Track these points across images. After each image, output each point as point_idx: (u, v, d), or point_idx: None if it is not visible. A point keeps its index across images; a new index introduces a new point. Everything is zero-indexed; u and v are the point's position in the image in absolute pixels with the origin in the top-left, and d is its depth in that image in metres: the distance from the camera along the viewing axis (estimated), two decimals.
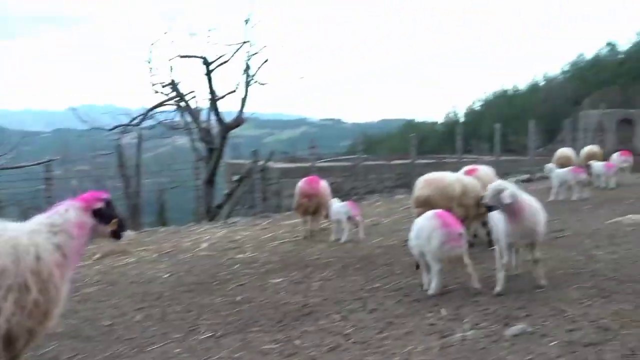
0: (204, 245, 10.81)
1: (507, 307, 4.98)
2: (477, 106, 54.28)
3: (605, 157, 15.44)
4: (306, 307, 5.76)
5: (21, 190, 15.74)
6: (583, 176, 12.48)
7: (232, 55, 20.42)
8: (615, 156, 15.13)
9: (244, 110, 20.53)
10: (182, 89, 20.67)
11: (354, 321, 5.10)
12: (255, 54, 20.58)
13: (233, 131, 21.51)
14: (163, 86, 20.56)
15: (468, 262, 5.55)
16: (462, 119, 51.62)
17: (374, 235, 10.17)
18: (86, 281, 7.62)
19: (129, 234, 4.02)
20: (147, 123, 20.77)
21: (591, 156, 15.68)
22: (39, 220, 3.52)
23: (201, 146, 21.18)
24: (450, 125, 45.54)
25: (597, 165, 14.69)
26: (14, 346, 3.08)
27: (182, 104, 20.81)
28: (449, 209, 6.55)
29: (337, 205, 10.05)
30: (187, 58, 20.35)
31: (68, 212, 3.61)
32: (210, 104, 20.80)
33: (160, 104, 20.84)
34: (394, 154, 31.08)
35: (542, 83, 54.35)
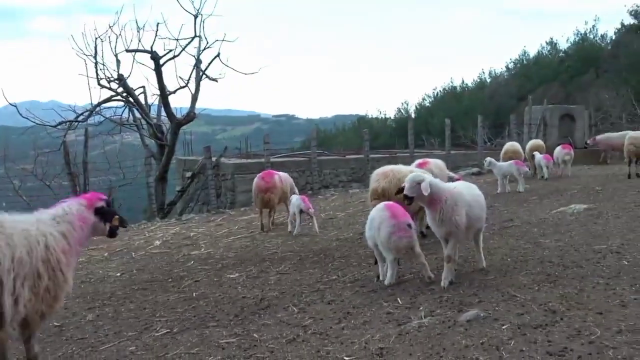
0: (157, 242, 10.59)
1: (461, 294, 5.12)
2: (427, 102, 55.39)
3: (548, 151, 16.08)
4: (264, 300, 5.74)
5: None
6: (524, 169, 12.96)
7: (182, 50, 19.99)
8: (558, 149, 15.77)
9: (196, 106, 20.17)
10: (131, 84, 20.09)
11: (312, 313, 5.12)
12: (206, 48, 20.25)
13: (184, 127, 21.11)
14: (109, 81, 19.92)
15: (419, 253, 5.66)
16: (413, 115, 52.59)
17: (330, 228, 10.25)
18: None
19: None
20: (94, 119, 20.08)
21: (535, 149, 16.28)
22: (44, 212, 3.83)
23: (152, 142, 20.68)
24: (402, 121, 46.31)
25: (537, 157, 15.35)
26: (29, 328, 3.47)
27: (131, 99, 20.22)
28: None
29: (292, 199, 10.25)
30: (134, 52, 19.75)
31: (71, 206, 3.94)
32: (161, 99, 20.32)
33: (107, 100, 20.17)
34: (347, 149, 31.38)
35: (488, 80, 56.08)
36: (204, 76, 20.44)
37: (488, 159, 13.37)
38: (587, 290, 4.84)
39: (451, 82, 64.43)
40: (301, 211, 10.01)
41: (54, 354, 4.74)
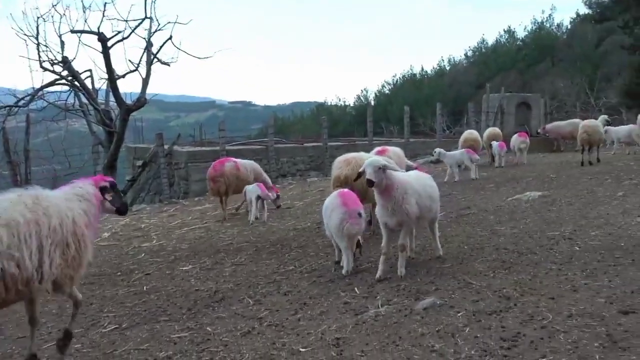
0: (106, 234, 10.33)
1: (418, 282, 5.21)
2: (386, 89, 55.92)
3: (505, 139, 16.54)
4: (218, 293, 5.69)
5: None
6: (476, 156, 13.31)
7: (132, 32, 19.39)
8: (514, 137, 16.23)
9: (147, 91, 19.64)
10: (77, 67, 19.36)
11: (268, 304, 5.11)
12: (158, 30, 19.71)
13: (135, 113, 20.55)
14: (53, 64, 19.13)
15: (361, 242, 5.93)
16: (372, 102, 53.01)
17: (287, 218, 10.24)
18: None
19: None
20: (37, 104, 19.27)
21: (493, 138, 16.71)
22: (66, 190, 4.38)
23: (99, 129, 20.05)
24: (361, 108, 46.65)
25: (494, 145, 15.80)
26: (62, 289, 4.05)
27: (77, 83, 19.50)
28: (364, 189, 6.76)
29: (249, 187, 10.28)
30: (80, 33, 19.03)
31: (85, 186, 4.50)
32: (109, 83, 19.67)
33: (51, 84, 19.35)
34: (306, 137, 31.34)
35: (447, 67, 57.07)
36: (155, 60, 19.93)
37: (437, 149, 13.64)
38: (540, 276, 5.01)
39: (411, 69, 65.31)
40: (259, 197, 10.07)
41: None
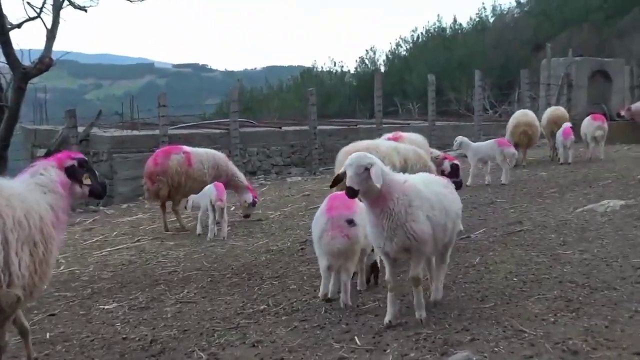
0: None
1: (446, 329, 5.24)
2: (403, 50, 56.10)
3: (573, 123, 16.62)
4: (155, 343, 5.68)
5: None
6: (511, 151, 13.39)
7: None
8: (587, 122, 16.30)
9: (54, 47, 19.54)
10: None
11: None
12: None
13: (35, 80, 20.45)
14: None
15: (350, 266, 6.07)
16: (382, 68, 53.09)
17: (257, 235, 10.26)
18: None
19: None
20: None
21: (556, 121, 16.83)
22: (26, 180, 4.83)
23: None
24: (366, 77, 46.71)
25: (557, 133, 15.90)
26: (16, 305, 4.48)
27: None
28: None
29: (205, 189, 10.34)
30: None
31: (48, 171, 4.95)
32: None
33: None
34: (285, 118, 31.39)
35: (491, 19, 57.31)
36: (66, 3, 19.84)
37: (459, 138, 13.73)
38: (622, 322, 5.06)
39: (438, 21, 65.66)
40: (213, 205, 10.11)
41: None
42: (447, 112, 33.40)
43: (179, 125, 22.70)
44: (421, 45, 54.53)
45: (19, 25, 19.96)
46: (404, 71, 47.92)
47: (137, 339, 5.86)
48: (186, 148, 11.42)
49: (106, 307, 6.96)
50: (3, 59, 20.12)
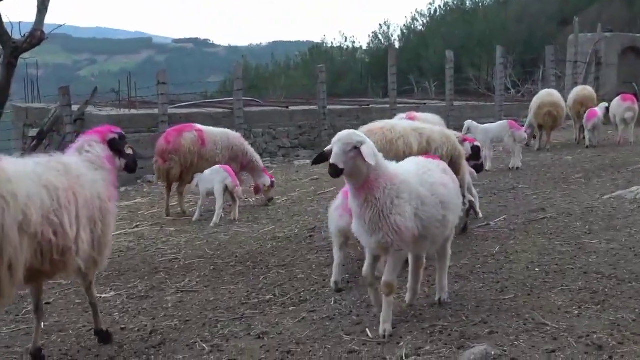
0: None
1: (463, 321, 5.28)
2: (419, 24, 55.82)
3: (602, 104, 16.55)
4: (155, 334, 5.75)
5: None
6: (522, 134, 13.39)
7: None
8: (616, 102, 16.18)
9: (46, 20, 19.55)
10: None
11: (233, 353, 5.17)
12: None
13: (26, 55, 20.46)
14: None
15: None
16: (397, 44, 52.86)
17: (263, 221, 10.32)
18: None
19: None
20: None
21: (583, 101, 16.78)
22: (75, 158, 5.34)
23: None
24: (380, 53, 46.54)
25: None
26: (83, 277, 5.29)
27: None
28: None
29: (207, 172, 10.37)
30: None
31: (94, 147, 5.49)
32: None
33: None
34: (293, 96, 31.32)
35: None
36: None
37: (467, 122, 13.69)
38: None
39: None
40: (226, 189, 10.19)
41: None
42: (466, 91, 33.25)
43: (179, 104, 22.68)
44: (439, 20, 54.20)
45: None
46: (420, 47, 47.69)
47: (136, 329, 5.93)
48: (199, 127, 11.53)
49: (104, 295, 7.02)
50: None
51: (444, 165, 5.79)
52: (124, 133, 5.82)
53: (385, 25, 56.53)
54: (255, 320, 5.85)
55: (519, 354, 4.58)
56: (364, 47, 56.64)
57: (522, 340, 4.79)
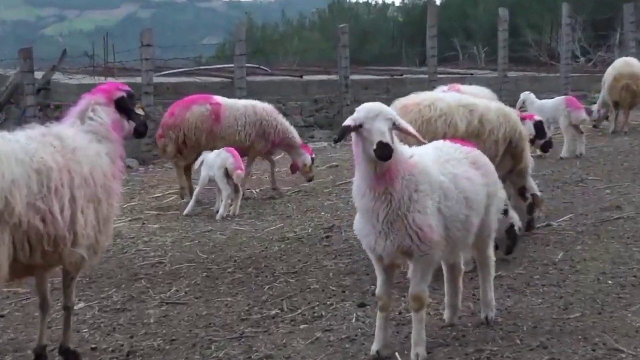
0: None
1: (516, 346, 5.26)
2: None
3: None
4: (134, 356, 5.76)
5: None
6: (582, 114, 13.23)
7: None
8: None
9: None
10: None
11: None
12: None
13: None
14: None
15: None
16: (437, 0, 52.65)
17: (269, 218, 10.35)
18: None
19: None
20: None
21: None
22: (78, 127, 5.43)
23: None
24: (415, 11, 46.37)
25: None
26: (78, 266, 5.34)
27: None
28: None
29: (210, 156, 10.43)
30: None
31: (97, 112, 5.53)
32: None
33: None
34: (307, 63, 31.26)
35: None
36: None
37: (524, 94, 13.62)
38: None
39: None
40: (227, 175, 10.25)
41: None
42: (524, 59, 33.08)
43: (167, 72, 22.69)
44: None
45: None
46: (467, 4, 47.52)
47: (110, 349, 5.94)
48: (217, 99, 11.74)
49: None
50: None
51: (476, 155, 5.67)
52: (132, 91, 5.90)
53: None
54: (257, 341, 5.84)
55: None
56: (397, 3, 56.58)
57: None
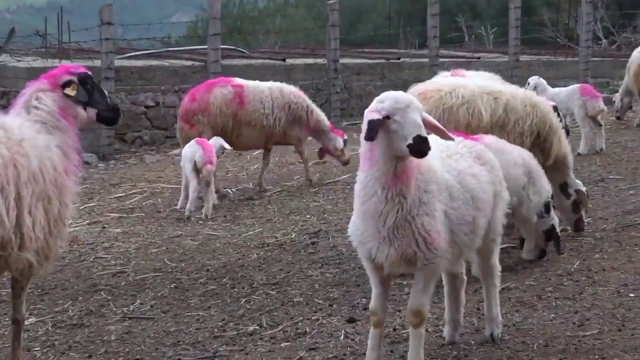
0: None
1: None
2: None
3: None
4: None
5: None
6: (599, 105, 13.24)
7: None
8: None
9: None
10: None
11: None
12: None
13: None
14: None
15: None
16: None
17: (247, 220, 10.38)
18: None
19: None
20: None
21: None
22: (24, 117, 5.40)
23: None
24: None
25: None
26: (26, 273, 5.33)
27: None
28: None
29: (185, 148, 10.78)
30: None
31: (42, 100, 5.49)
32: None
33: None
34: (292, 44, 31.21)
35: None
36: None
37: (533, 78, 13.68)
38: None
39: None
40: (195, 168, 10.44)
41: None
42: (539, 41, 33.08)
43: (130, 54, 22.66)
44: None
45: None
46: None
47: None
48: (239, 81, 12.03)
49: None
50: None
51: (480, 149, 5.72)
52: (88, 72, 5.80)
53: None
54: None
55: None
56: None
57: None
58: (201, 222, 10.24)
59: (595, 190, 10.51)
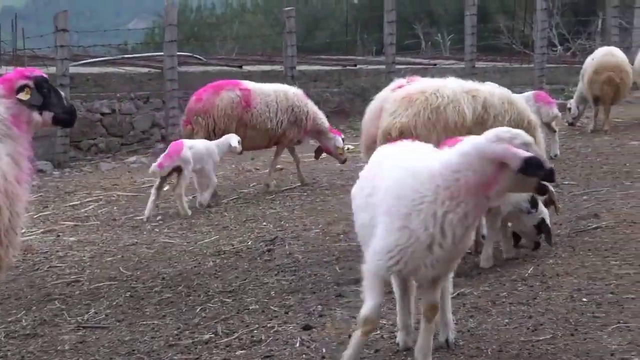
0: None
1: None
2: None
3: None
4: None
5: None
6: (554, 111, 13.33)
7: None
8: None
9: None
10: None
11: None
12: None
13: None
14: None
15: None
16: None
17: (203, 227, 10.38)
18: None
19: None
20: None
21: None
22: None
23: None
24: None
25: None
26: None
27: None
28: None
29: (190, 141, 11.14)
30: None
31: None
32: None
33: None
34: (249, 51, 31.17)
35: None
36: None
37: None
38: None
39: None
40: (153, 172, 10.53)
41: None
42: (495, 47, 33.27)
43: (86, 61, 22.54)
44: None
45: None
46: None
47: None
48: (246, 84, 12.18)
49: None
50: None
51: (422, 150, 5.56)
52: (45, 77, 5.75)
53: None
54: None
55: None
56: None
57: None
58: (157, 230, 10.21)
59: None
